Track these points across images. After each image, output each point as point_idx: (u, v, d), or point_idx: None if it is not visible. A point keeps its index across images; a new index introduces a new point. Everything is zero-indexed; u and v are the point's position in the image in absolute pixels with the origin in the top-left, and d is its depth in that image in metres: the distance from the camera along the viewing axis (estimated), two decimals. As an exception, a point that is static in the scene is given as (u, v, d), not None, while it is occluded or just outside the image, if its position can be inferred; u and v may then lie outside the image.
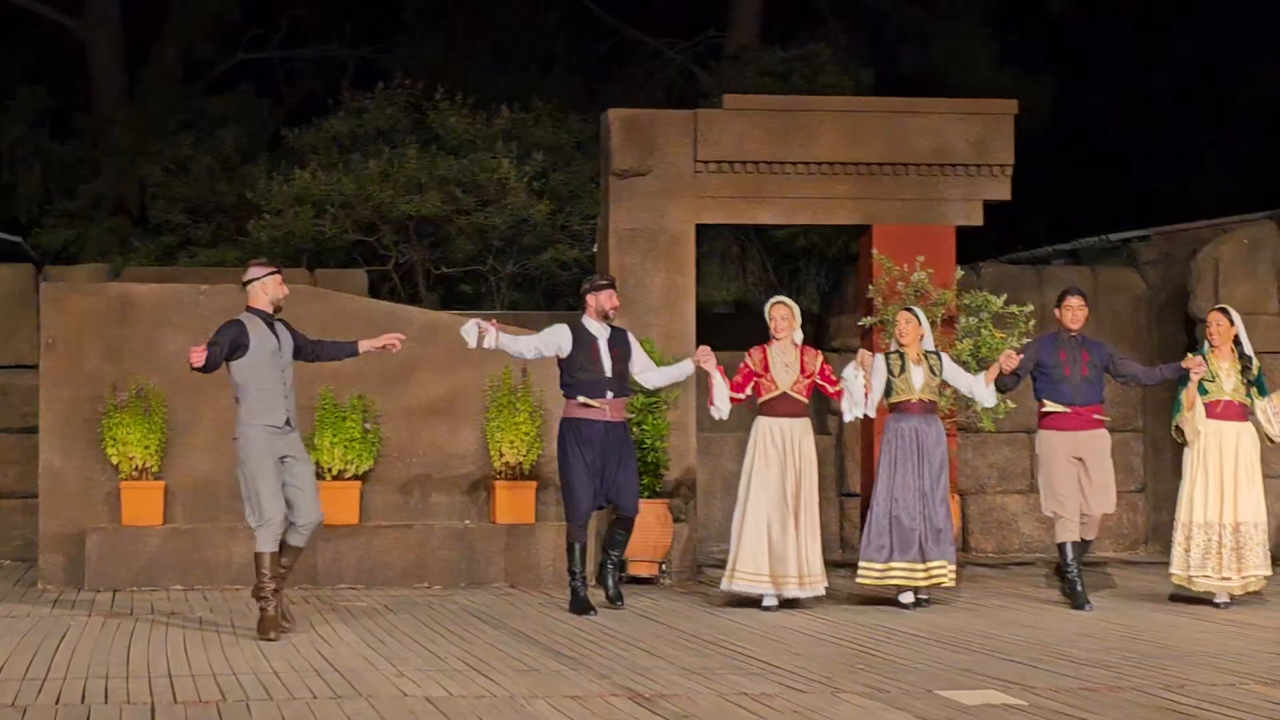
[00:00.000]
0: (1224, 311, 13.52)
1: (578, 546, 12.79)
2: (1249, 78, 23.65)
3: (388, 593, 13.68)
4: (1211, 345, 13.41)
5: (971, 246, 17.08)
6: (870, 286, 15.16)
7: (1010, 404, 14.83)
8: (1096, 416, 13.36)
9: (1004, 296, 15.25)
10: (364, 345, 12.08)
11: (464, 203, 20.16)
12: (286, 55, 28.24)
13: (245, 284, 11.63)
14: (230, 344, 11.25)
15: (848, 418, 13.24)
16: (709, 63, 22.87)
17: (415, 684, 9.30)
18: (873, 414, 13.32)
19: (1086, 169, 23.40)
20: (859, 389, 12.99)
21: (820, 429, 16.69)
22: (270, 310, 11.55)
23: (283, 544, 11.39)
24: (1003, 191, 15.62)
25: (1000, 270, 17.66)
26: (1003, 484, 17.28)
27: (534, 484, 14.60)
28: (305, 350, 11.78)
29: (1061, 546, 13.31)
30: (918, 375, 13.09)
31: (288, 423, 11.43)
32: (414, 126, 21.49)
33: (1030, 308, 15.16)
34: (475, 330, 12.66)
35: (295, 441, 11.50)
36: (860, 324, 15.37)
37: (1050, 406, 13.35)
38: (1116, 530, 17.35)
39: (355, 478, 14.43)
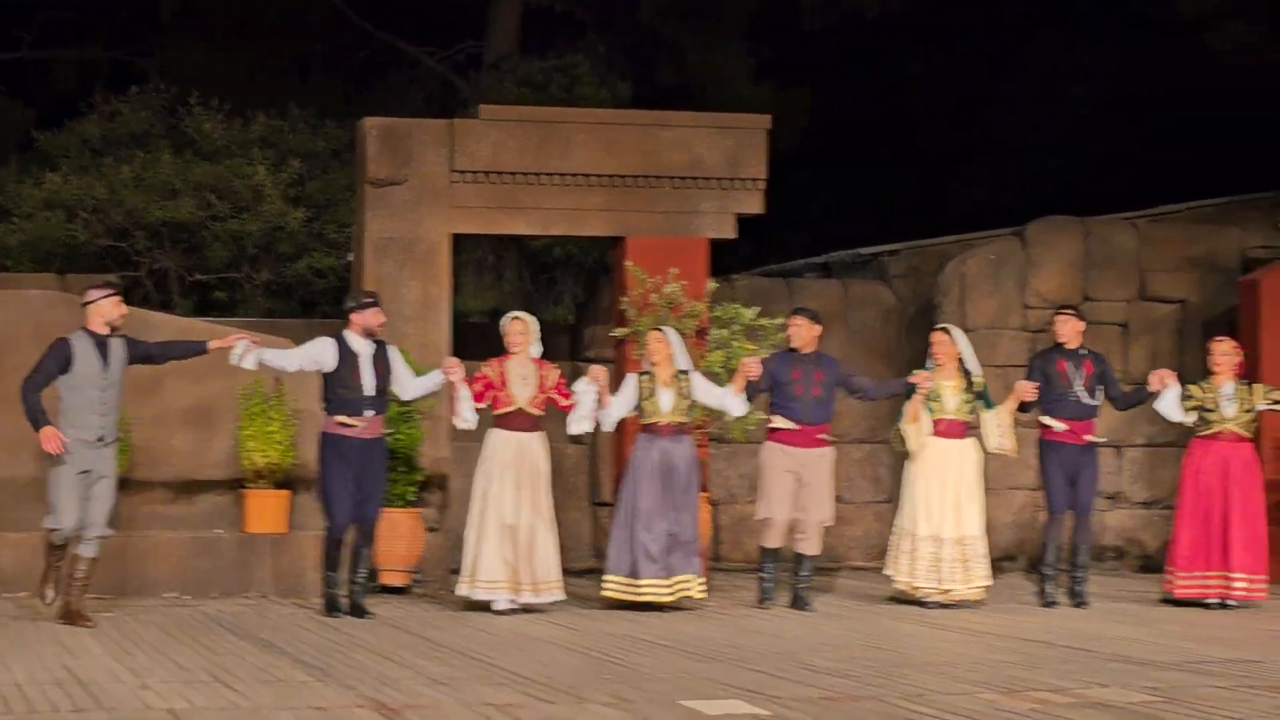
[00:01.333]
0: (946, 330, 13.87)
1: (333, 556, 12.87)
2: (999, 98, 24.16)
3: (136, 602, 13.47)
4: (936, 364, 13.75)
5: (725, 259, 17.26)
6: (623, 298, 15.25)
7: (760, 414, 15.02)
8: (821, 436, 13.72)
9: (756, 309, 15.42)
10: (213, 344, 12.68)
11: (218, 209, 19.95)
12: (40, 56, 27.69)
13: (84, 305, 12.19)
14: (56, 368, 11.96)
15: (573, 430, 13.40)
16: (468, 72, 22.86)
17: (159, 696, 9.17)
18: (608, 429, 13.53)
19: (839, 183, 23.74)
20: (589, 404, 13.20)
21: (574, 439, 16.76)
22: (105, 331, 12.11)
23: (75, 554, 12.11)
24: (755, 205, 15.81)
25: (753, 283, 17.85)
26: (753, 494, 17.35)
27: (287, 493, 14.48)
28: (151, 356, 12.47)
29: (763, 551, 13.79)
30: (666, 399, 13.28)
31: (100, 439, 12.04)
32: (169, 131, 21.22)
33: (781, 320, 15.34)
34: (240, 352, 12.67)
35: (105, 457, 12.16)
36: (614, 335, 15.45)
37: (779, 423, 13.62)
38: (864, 540, 17.63)
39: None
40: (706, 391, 13.63)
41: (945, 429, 13.74)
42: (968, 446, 13.82)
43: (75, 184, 19.98)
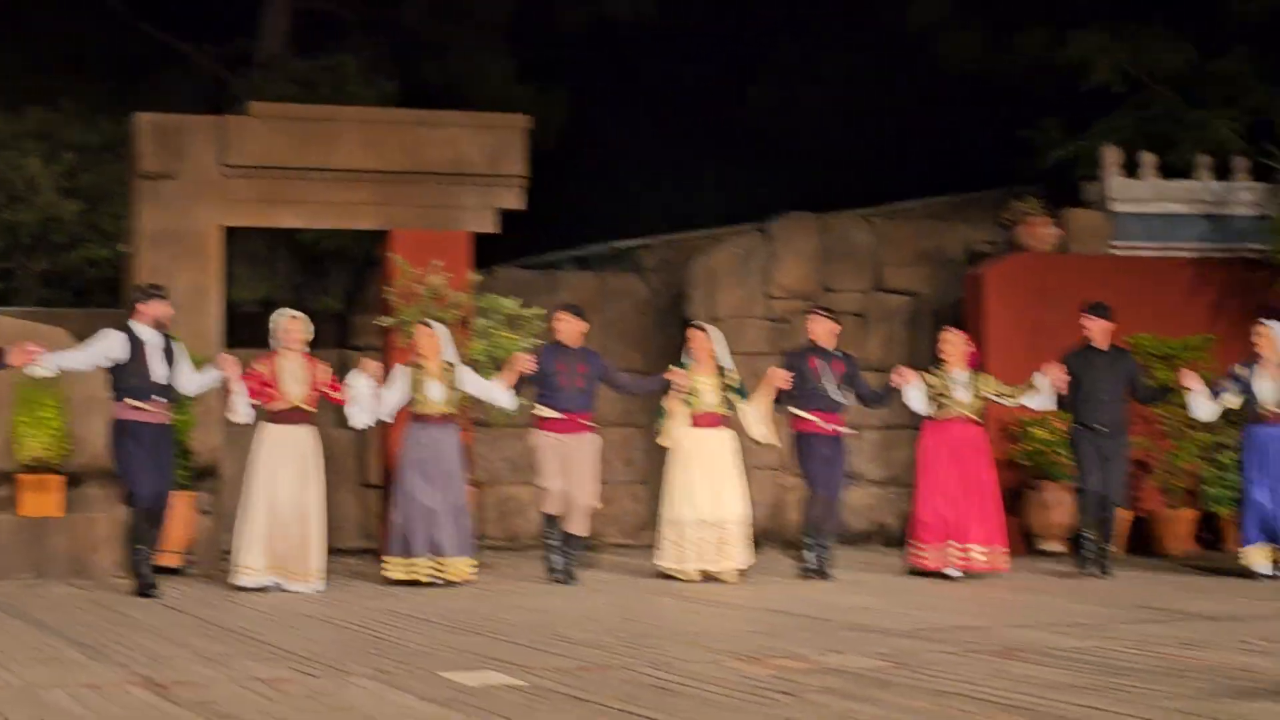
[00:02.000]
0: (703, 329, 14.03)
1: (139, 532, 12.75)
2: (744, 101, 24.41)
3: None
4: (693, 360, 13.91)
5: (488, 252, 17.25)
6: (389, 289, 15.20)
7: (523, 400, 15.06)
8: (584, 422, 13.81)
9: (517, 300, 15.46)
10: (10, 360, 12.31)
11: (-9, 199, 19.50)
12: None
13: None
14: None
15: (356, 424, 13.37)
16: (240, 70, 22.55)
17: (-69, 677, 8.97)
18: (388, 419, 13.52)
19: (598, 180, 23.82)
20: (365, 396, 13.17)
21: (342, 423, 16.63)
22: None
23: None
24: (516, 200, 15.85)
25: (514, 275, 17.87)
26: (515, 475, 17.50)
27: (62, 478, 14.22)
28: None
29: (547, 518, 13.89)
30: (436, 390, 13.28)
31: None
32: (-61, 121, 20.67)
33: (541, 311, 15.41)
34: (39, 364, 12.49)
35: None
36: (380, 324, 15.39)
37: (545, 412, 13.71)
38: (620, 519, 17.75)
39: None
40: (474, 384, 13.67)
41: (704, 420, 13.90)
42: (725, 436, 14.00)
43: None
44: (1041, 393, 14.27)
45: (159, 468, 12.72)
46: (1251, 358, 14.24)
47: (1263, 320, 14.47)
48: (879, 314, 17.85)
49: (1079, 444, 14.49)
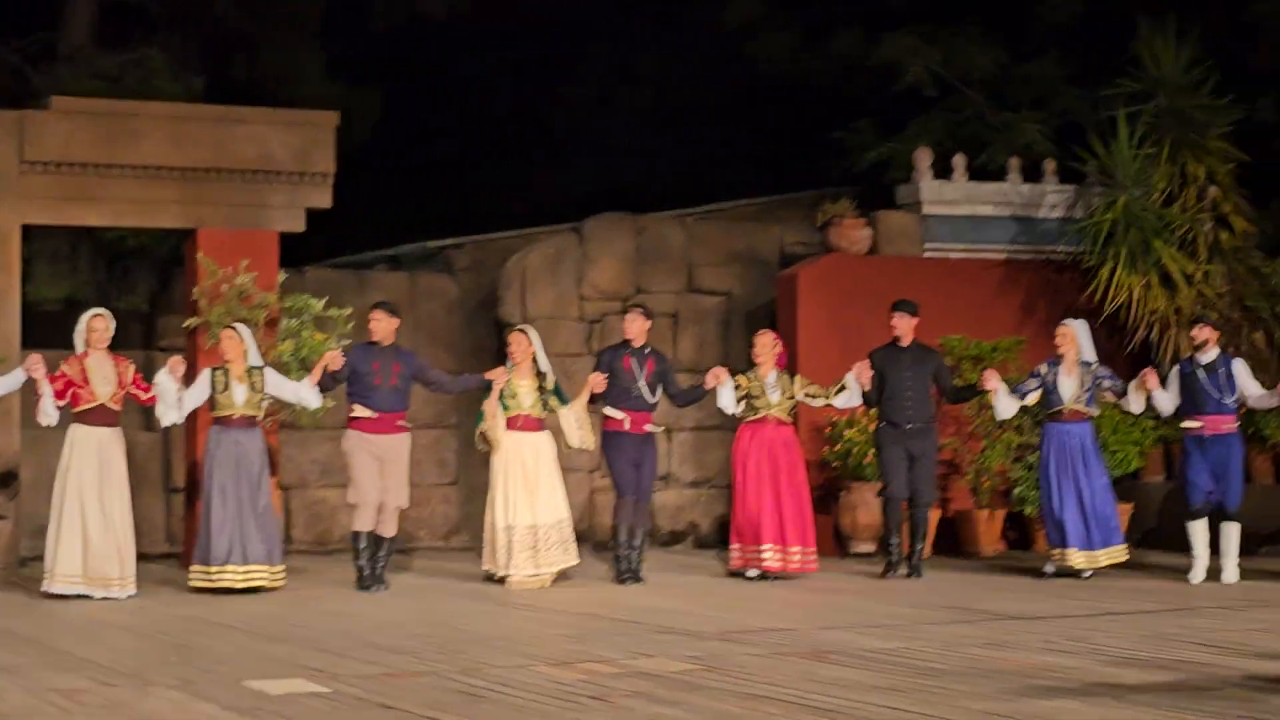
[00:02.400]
0: (524, 331, 14.00)
1: None
2: (558, 100, 24.40)
3: None
4: (514, 362, 13.87)
5: (298, 251, 17.07)
6: (196, 289, 14.98)
7: (330, 402, 14.91)
8: (399, 423, 13.72)
9: (325, 300, 15.30)
10: None
11: None
12: None
13: None
14: None
15: (165, 423, 13.20)
16: (43, 63, 22.12)
17: None
18: (179, 420, 13.34)
19: (409, 179, 23.70)
20: (172, 395, 13.00)
21: (146, 426, 16.41)
22: None
23: None
24: (325, 199, 15.70)
25: (323, 275, 17.69)
26: (324, 478, 17.33)
27: None
28: None
29: (356, 534, 13.71)
30: (240, 393, 13.12)
31: None
32: None
33: (349, 311, 15.26)
34: None
35: None
36: (186, 325, 15.16)
37: (359, 412, 13.60)
38: (431, 521, 17.64)
39: None
40: (281, 385, 13.53)
41: (522, 424, 13.86)
42: (543, 439, 13.96)
43: None
44: (850, 391, 14.40)
45: None
46: (1054, 358, 14.48)
47: (1065, 321, 14.72)
48: (692, 315, 17.90)
49: (884, 444, 14.64)
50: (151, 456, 16.79)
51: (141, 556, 15.99)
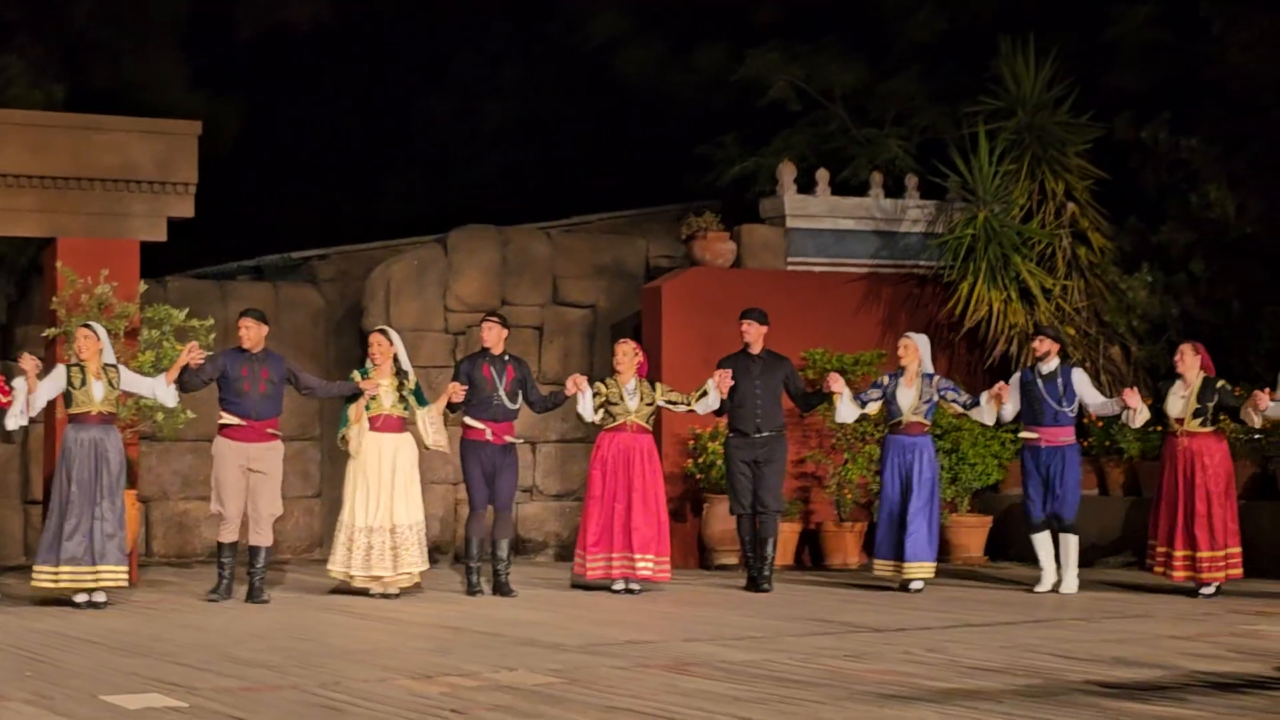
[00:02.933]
0: (384, 332, 14.00)
1: None
2: (423, 109, 24.34)
3: None
4: (373, 364, 13.86)
5: (160, 261, 16.92)
6: (55, 298, 14.81)
7: (191, 413, 14.80)
8: (270, 430, 13.66)
9: (187, 310, 15.17)
10: None
11: None
12: None
13: None
14: None
15: (10, 426, 13.02)
16: (-102, 69, 21.80)
17: None
18: (33, 414, 13.14)
19: (274, 189, 23.52)
20: (23, 397, 12.83)
21: (4, 438, 16.19)
22: None
23: None
24: (186, 209, 15.56)
25: (185, 284, 17.54)
26: (185, 490, 17.17)
27: None
28: None
29: (220, 545, 13.68)
30: (98, 389, 12.96)
31: None
32: None
33: (211, 321, 15.14)
34: None
35: None
36: (44, 335, 14.98)
37: (228, 419, 13.51)
38: (294, 534, 17.53)
39: None
40: (137, 382, 13.40)
41: (382, 424, 13.83)
42: (403, 440, 13.94)
43: None
44: (711, 396, 14.49)
45: None
46: (897, 369, 14.65)
47: (907, 334, 14.88)
48: (557, 327, 17.92)
49: (730, 456, 14.71)
50: (9, 468, 16.58)
51: (-2, 570, 15.85)
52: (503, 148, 23.63)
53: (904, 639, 11.40)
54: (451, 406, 14.17)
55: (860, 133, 19.30)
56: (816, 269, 17.83)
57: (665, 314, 16.95)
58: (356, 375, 13.95)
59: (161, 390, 13.43)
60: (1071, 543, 14.45)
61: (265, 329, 13.80)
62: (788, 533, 16.77)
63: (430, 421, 13.98)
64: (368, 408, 13.83)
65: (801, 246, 17.92)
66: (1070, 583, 14.34)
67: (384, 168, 24.10)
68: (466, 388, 14.04)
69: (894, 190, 18.34)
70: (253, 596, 13.55)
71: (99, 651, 10.68)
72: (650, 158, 21.69)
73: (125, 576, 13.13)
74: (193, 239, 17.69)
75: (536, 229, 18.33)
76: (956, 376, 16.86)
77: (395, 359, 13.94)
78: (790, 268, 17.80)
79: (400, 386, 13.91)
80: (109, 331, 13.73)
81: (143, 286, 15.15)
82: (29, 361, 12.97)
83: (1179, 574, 14.07)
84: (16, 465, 16.64)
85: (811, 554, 16.93)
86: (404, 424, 13.95)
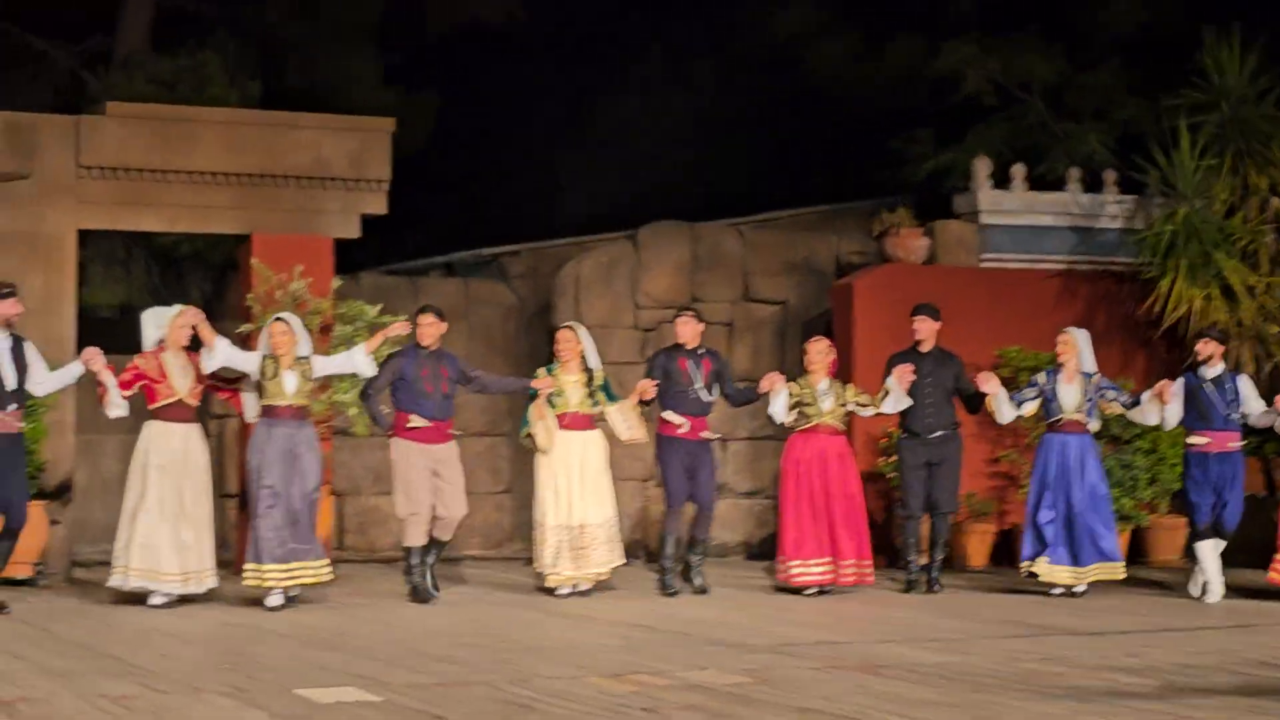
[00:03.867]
0: (572, 328, 13.98)
1: None
2: (612, 105, 24.42)
3: None
4: (560, 361, 13.86)
5: (352, 257, 17.14)
6: (250, 294, 15.05)
7: (386, 409, 14.97)
8: (450, 431, 13.66)
9: (379, 306, 15.34)
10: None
11: None
12: None
13: None
14: None
15: (250, 417, 13.11)
16: (98, 68, 22.26)
17: None
18: (248, 369, 13.10)
19: (464, 186, 23.75)
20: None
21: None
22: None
23: None
24: (380, 205, 15.75)
25: (378, 280, 17.75)
26: (376, 485, 17.36)
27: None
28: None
29: (409, 550, 13.55)
30: (290, 381, 12.99)
31: None
32: None
33: (404, 317, 15.26)
34: None
35: None
36: (240, 331, 15.22)
37: (414, 421, 13.47)
38: (484, 529, 17.66)
39: None
40: (330, 364, 13.31)
41: (570, 422, 13.83)
42: (592, 437, 13.93)
43: None
44: (894, 395, 14.36)
45: (9, 481, 12.35)
46: (1054, 367, 14.41)
47: (1066, 329, 14.62)
48: (747, 324, 17.88)
49: (903, 457, 14.59)
50: (204, 462, 16.85)
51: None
52: (691, 143, 23.62)
53: (1101, 643, 11.24)
54: (644, 403, 14.16)
55: (1058, 127, 19.06)
56: (1011, 265, 17.64)
57: (857, 311, 16.85)
58: (543, 372, 13.95)
59: (359, 359, 13.19)
60: (1220, 548, 14.13)
61: (444, 326, 13.75)
62: (981, 533, 16.61)
63: (623, 417, 13.96)
64: (554, 405, 13.82)
65: (997, 243, 17.73)
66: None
67: (572, 164, 24.21)
68: (658, 383, 14.03)
69: (1092, 185, 18.08)
70: (427, 591, 13.54)
71: (293, 645, 10.83)
72: (842, 153, 21.59)
73: (327, 571, 13.07)
74: (385, 235, 17.89)
75: (727, 225, 18.30)
76: (1155, 376, 16.56)
77: (583, 355, 13.92)
78: (985, 264, 17.62)
79: (589, 383, 13.92)
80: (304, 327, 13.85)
81: (336, 282, 15.35)
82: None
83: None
84: (213, 460, 16.87)
85: (1009, 555, 16.73)
86: (593, 421, 13.95)
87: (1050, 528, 14.15)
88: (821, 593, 14.07)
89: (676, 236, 17.79)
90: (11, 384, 12.42)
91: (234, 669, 9.80)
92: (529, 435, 13.89)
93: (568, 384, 13.85)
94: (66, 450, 14.82)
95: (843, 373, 15.15)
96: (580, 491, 13.75)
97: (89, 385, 13.20)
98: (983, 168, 17.77)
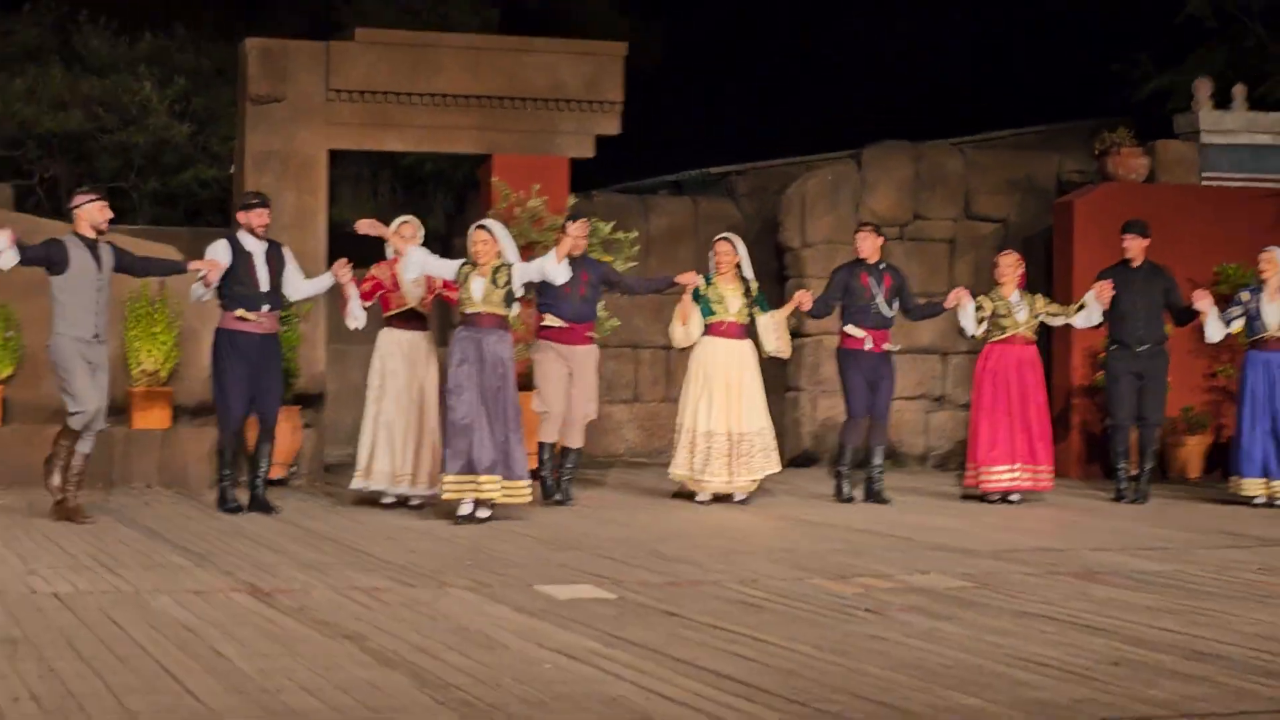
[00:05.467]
0: (729, 240, 13.84)
1: (228, 451, 12.60)
2: (839, 27, 24.21)
3: (27, 493, 13.27)
4: (718, 270, 13.72)
5: (586, 176, 17.22)
6: (490, 212, 15.18)
7: (615, 321, 15.10)
8: (588, 334, 13.64)
9: (613, 223, 15.41)
10: (191, 265, 12.48)
11: (107, 121, 19.62)
12: (-66, -27, 26.95)
13: (70, 209, 11.96)
14: (44, 258, 11.73)
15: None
16: (348, -3, 22.58)
17: (45, 580, 9.08)
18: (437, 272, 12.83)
19: (692, 106, 23.73)
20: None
21: (441, 341, 16.72)
22: (92, 234, 11.81)
23: (75, 449, 11.81)
24: (613, 126, 15.82)
25: (610, 199, 17.82)
26: (609, 394, 17.48)
27: (170, 391, 14.35)
28: (133, 268, 12.23)
29: (542, 445, 13.52)
30: (477, 286, 12.11)
31: (96, 336, 11.78)
32: (59, 47, 20.81)
33: (635, 234, 15.37)
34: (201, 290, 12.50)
35: (101, 352, 11.82)
36: (479, 246, 15.38)
37: (550, 321, 13.43)
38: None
39: (-1, 382, 14.03)
40: (524, 270, 12.31)
41: (726, 330, 13.66)
42: (745, 347, 13.74)
43: (-32, 96, 19.59)
44: (1090, 309, 14.14)
45: (260, 384, 12.49)
46: (1256, 284, 14.05)
47: (1268, 247, 14.22)
48: (968, 240, 17.68)
49: (1113, 369, 14.34)
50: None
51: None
52: (913, 64, 23.35)
53: (1320, 555, 11.01)
54: (813, 315, 13.97)
55: (1278, 49, 18.53)
56: (1231, 184, 17.23)
57: (1077, 229, 16.59)
58: (683, 275, 13.75)
59: (551, 268, 12.27)
60: None
61: (584, 231, 13.44)
62: (1195, 446, 16.34)
63: (774, 328, 13.80)
64: (713, 312, 13.62)
65: (1216, 162, 17.34)
66: None
67: (797, 85, 24.06)
68: (814, 296, 13.89)
69: (1313, 105, 17.60)
70: (558, 497, 13.37)
71: (531, 545, 10.97)
72: (1063, 73, 21.21)
73: (523, 490, 12.07)
74: (617, 155, 17.94)
75: (949, 144, 18.08)
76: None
77: (739, 266, 13.77)
78: (1204, 183, 17.24)
79: (745, 293, 13.75)
80: (539, 244, 13.91)
81: (571, 200, 15.45)
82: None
83: None
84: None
85: (1222, 468, 16.42)
86: (745, 331, 13.78)
87: (1254, 445, 13.89)
88: (1005, 500, 13.93)
89: (899, 155, 17.62)
90: (265, 285, 12.59)
91: (478, 566, 9.95)
92: (672, 334, 13.77)
93: (727, 292, 13.67)
94: (318, 358, 15.13)
95: (1062, 289, 14.95)
96: (734, 400, 13.61)
97: (339, 297, 13.41)
98: (1203, 88, 17.36)
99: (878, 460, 14.02)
